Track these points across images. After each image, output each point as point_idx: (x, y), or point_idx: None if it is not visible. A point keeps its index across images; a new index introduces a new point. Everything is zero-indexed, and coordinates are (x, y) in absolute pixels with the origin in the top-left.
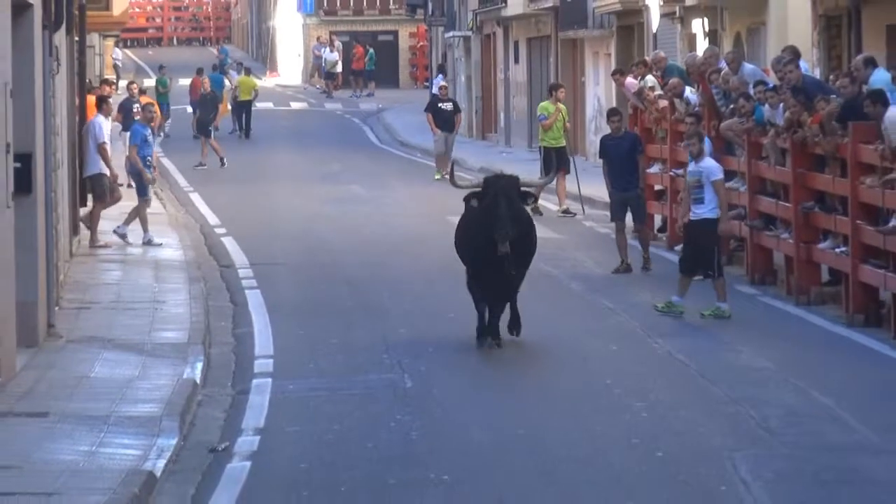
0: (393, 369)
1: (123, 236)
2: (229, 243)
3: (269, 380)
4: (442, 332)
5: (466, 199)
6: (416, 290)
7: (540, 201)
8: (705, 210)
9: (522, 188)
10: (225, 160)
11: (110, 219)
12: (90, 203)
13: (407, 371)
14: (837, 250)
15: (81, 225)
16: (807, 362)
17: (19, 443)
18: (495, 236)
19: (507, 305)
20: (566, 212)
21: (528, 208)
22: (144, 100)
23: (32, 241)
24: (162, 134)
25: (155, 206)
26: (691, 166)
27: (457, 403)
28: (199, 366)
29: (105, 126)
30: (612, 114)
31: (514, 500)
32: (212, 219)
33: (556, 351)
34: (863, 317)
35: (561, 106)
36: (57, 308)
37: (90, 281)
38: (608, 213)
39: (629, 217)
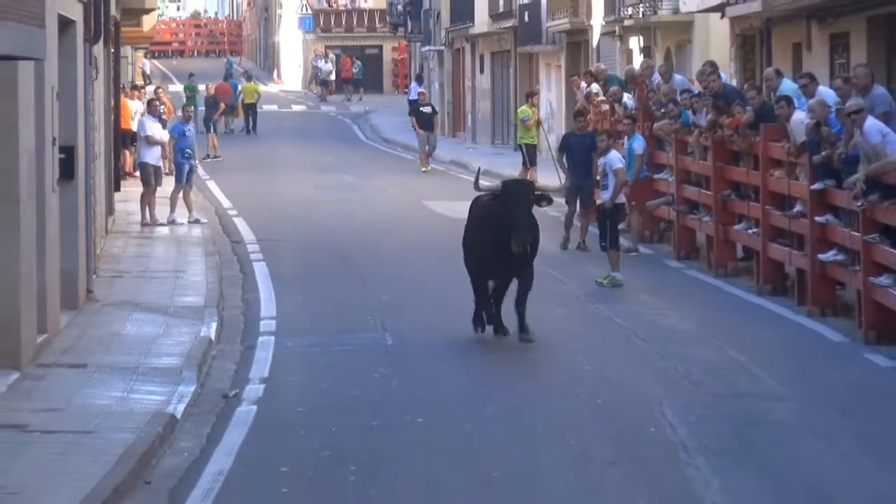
0: (376, 329)
1: (179, 222)
2: (239, 223)
3: (273, 338)
4: (418, 298)
5: (485, 199)
6: (396, 262)
7: None
8: (607, 195)
9: (537, 192)
10: (220, 156)
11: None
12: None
13: (388, 330)
14: (750, 231)
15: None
16: (724, 325)
17: (62, 389)
18: (514, 242)
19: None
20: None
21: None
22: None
23: (74, 220)
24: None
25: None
26: (600, 160)
27: (430, 358)
28: (214, 325)
29: (148, 123)
30: (578, 114)
31: (478, 437)
32: (225, 202)
33: (508, 315)
34: (771, 287)
35: (535, 109)
36: (94, 276)
37: (122, 254)
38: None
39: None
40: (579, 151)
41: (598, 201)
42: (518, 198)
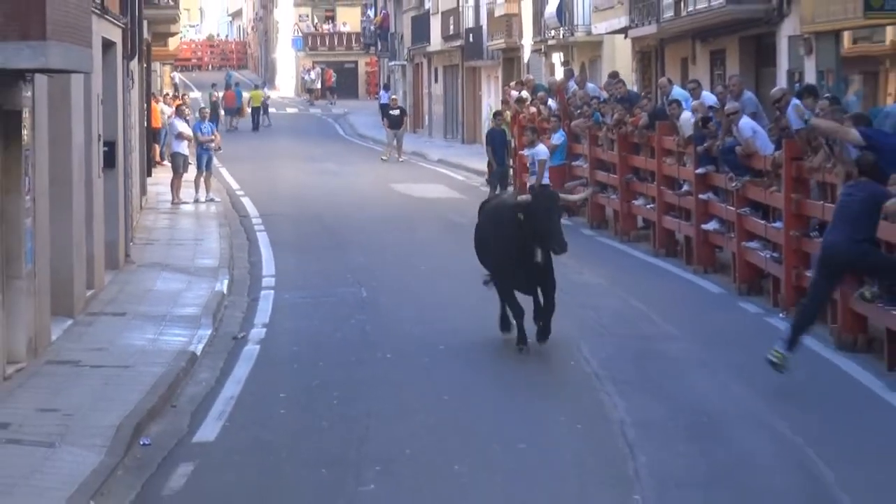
0: (354, 285)
1: (201, 200)
2: (246, 201)
3: (272, 291)
4: (386, 261)
5: (506, 210)
6: (369, 233)
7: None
8: (532, 180)
9: (563, 198)
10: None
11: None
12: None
13: (363, 286)
14: (648, 206)
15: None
16: (628, 280)
17: (106, 333)
18: (552, 251)
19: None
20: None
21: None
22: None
23: (115, 199)
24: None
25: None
26: (527, 150)
27: (396, 307)
28: (226, 282)
29: (178, 123)
30: (497, 114)
31: (434, 369)
32: (234, 185)
33: (457, 273)
34: (664, 250)
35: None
36: (131, 243)
37: (153, 226)
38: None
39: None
40: (499, 143)
41: (528, 184)
42: (550, 207)
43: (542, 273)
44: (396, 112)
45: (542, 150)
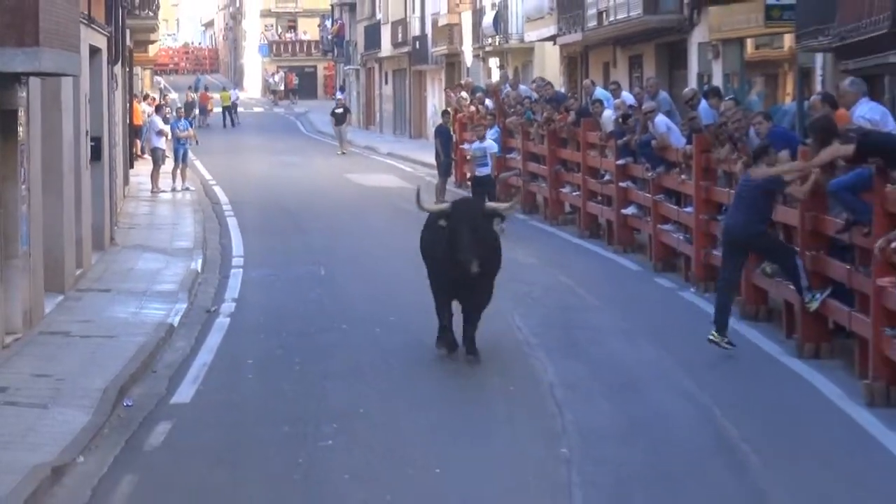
0: (313, 264)
1: (177, 189)
2: (217, 190)
3: (241, 270)
4: (341, 243)
5: (433, 219)
6: (326, 217)
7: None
8: (486, 170)
9: (488, 210)
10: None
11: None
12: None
13: (321, 265)
14: (574, 193)
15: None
16: (556, 259)
17: (94, 307)
18: (457, 263)
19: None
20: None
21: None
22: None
23: (101, 188)
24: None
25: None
26: (476, 144)
27: (350, 283)
28: (200, 261)
29: (158, 120)
30: (444, 113)
31: (387, 338)
32: (207, 175)
33: (405, 254)
34: (589, 232)
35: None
36: (115, 227)
37: (135, 212)
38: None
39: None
40: (446, 138)
41: (477, 174)
42: (461, 218)
43: (471, 285)
44: (340, 110)
45: (492, 144)
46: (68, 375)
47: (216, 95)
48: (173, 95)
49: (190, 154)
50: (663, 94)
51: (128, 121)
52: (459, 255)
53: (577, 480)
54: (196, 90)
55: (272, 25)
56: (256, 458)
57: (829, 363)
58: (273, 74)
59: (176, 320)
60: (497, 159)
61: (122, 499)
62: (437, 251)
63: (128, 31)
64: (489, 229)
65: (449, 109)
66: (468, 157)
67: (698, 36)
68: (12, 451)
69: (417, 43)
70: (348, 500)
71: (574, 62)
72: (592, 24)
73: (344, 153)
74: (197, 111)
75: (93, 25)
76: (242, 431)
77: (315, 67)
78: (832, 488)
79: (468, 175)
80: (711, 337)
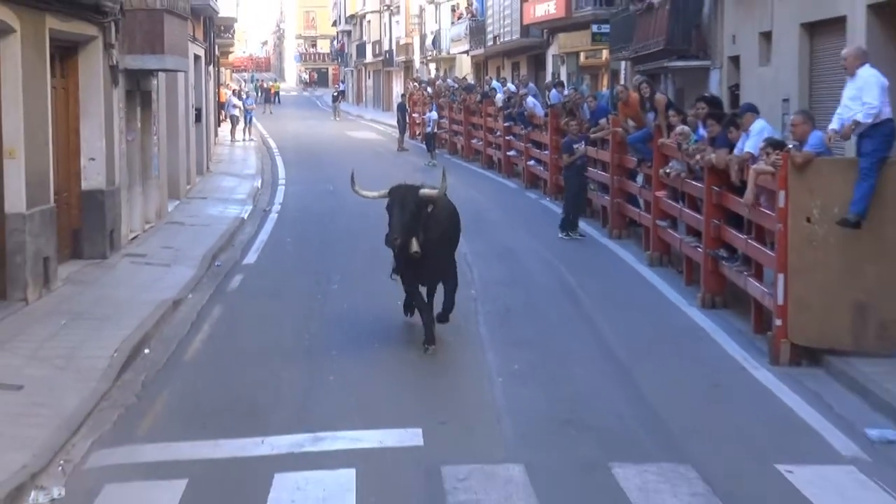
0: (326, 183)
1: (245, 140)
2: (271, 141)
3: (284, 186)
4: (343, 169)
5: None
6: (335, 154)
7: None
8: (430, 128)
9: (423, 193)
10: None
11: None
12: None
13: (332, 184)
14: (479, 143)
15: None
16: (469, 181)
17: (198, 207)
18: (387, 244)
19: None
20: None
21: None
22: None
23: (201, 139)
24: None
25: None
26: (427, 114)
27: (348, 194)
28: (259, 181)
29: (234, 99)
30: (403, 95)
31: (372, 221)
32: (264, 132)
33: (381, 176)
34: (487, 165)
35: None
36: (209, 161)
37: (220, 153)
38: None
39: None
40: (403, 111)
41: (427, 132)
42: (395, 202)
43: (424, 265)
44: (337, 94)
45: (433, 114)
46: (182, 247)
47: (271, 84)
48: (248, 87)
49: (254, 118)
50: (531, 85)
51: (216, 99)
52: (392, 233)
53: (480, 310)
54: (255, 83)
55: (302, 44)
56: (293, 295)
57: (627, 242)
58: (302, 73)
59: (245, 215)
60: (435, 123)
61: (214, 319)
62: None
63: (216, 46)
64: (429, 213)
65: (405, 93)
66: (418, 122)
67: (552, 50)
68: (151, 293)
69: (387, 54)
70: (344, 314)
71: (479, 66)
72: (490, 43)
73: (338, 119)
74: (262, 95)
75: (196, 42)
76: (284, 280)
77: (328, 69)
78: (630, 315)
79: (418, 132)
80: (564, 237)
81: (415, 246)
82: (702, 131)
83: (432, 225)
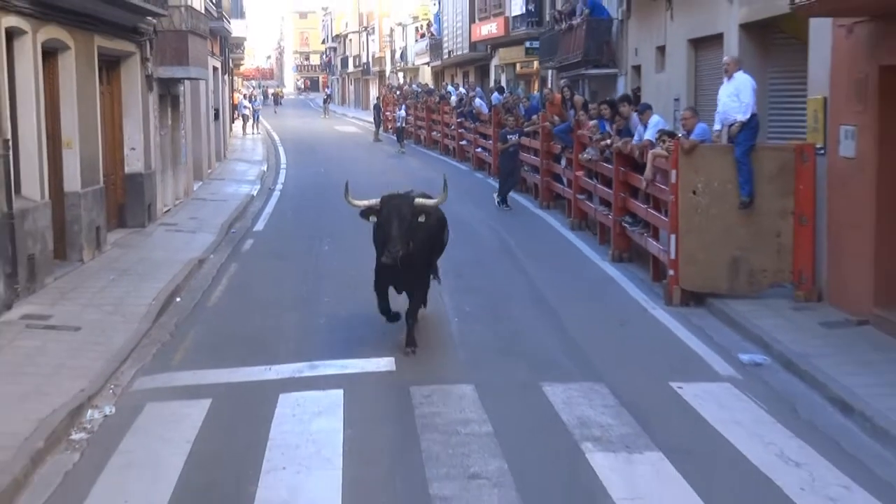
0: (318, 166)
1: (254, 133)
2: (275, 133)
3: (285, 169)
4: (333, 157)
5: (364, 215)
6: (327, 145)
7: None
8: (399, 124)
9: (417, 203)
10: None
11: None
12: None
13: (323, 168)
14: (438, 135)
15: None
16: (430, 164)
17: (215, 187)
18: (385, 257)
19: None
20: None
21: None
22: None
23: (219, 133)
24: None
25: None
26: (398, 113)
27: (340, 175)
28: (265, 165)
29: (245, 101)
30: (378, 98)
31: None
32: (269, 127)
33: (366, 161)
34: (444, 153)
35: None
36: (225, 150)
37: (234, 144)
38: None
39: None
40: (378, 109)
41: (397, 126)
42: (391, 212)
43: (411, 277)
44: (325, 97)
45: (402, 113)
46: (205, 218)
47: (276, 90)
48: (257, 91)
49: (260, 116)
50: (479, 89)
51: (230, 101)
52: (393, 247)
53: (439, 265)
54: (261, 89)
55: (298, 57)
56: (293, 255)
57: (554, 211)
58: (298, 80)
59: (254, 193)
60: (403, 119)
61: (231, 274)
62: (377, 246)
63: (230, 59)
64: (419, 223)
65: (380, 96)
66: (390, 119)
67: (495, 62)
68: (181, 254)
69: (365, 66)
70: (334, 271)
71: (437, 74)
72: (446, 56)
73: (327, 117)
74: (271, 98)
75: (214, 56)
76: (286, 243)
77: (318, 77)
78: (556, 268)
79: (390, 126)
80: (500, 208)
81: (387, 257)
82: (605, 125)
83: (421, 234)
